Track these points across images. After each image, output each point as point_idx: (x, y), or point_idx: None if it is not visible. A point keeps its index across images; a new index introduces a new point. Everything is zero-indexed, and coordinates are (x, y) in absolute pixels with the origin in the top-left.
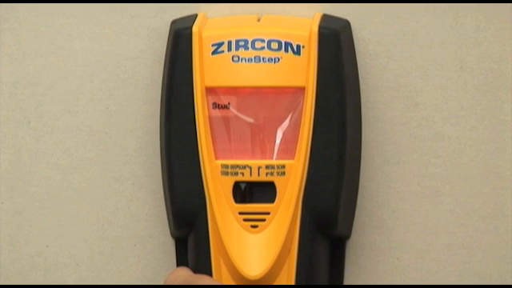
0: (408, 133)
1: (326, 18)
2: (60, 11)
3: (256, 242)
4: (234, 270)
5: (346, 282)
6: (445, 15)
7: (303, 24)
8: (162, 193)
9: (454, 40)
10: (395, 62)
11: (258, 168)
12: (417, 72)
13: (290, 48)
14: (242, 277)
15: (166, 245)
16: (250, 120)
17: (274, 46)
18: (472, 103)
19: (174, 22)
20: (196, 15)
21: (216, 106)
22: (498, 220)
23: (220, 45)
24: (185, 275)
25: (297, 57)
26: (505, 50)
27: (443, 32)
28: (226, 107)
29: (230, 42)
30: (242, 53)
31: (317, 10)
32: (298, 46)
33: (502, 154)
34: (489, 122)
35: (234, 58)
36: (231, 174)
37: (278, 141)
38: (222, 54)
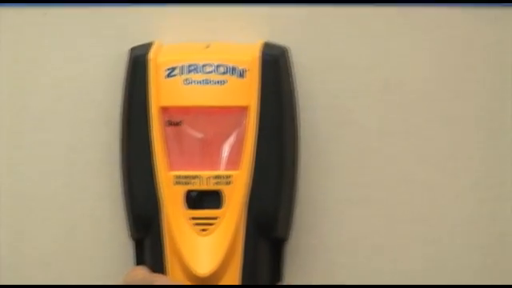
0: (340, 147)
1: (266, 44)
2: (29, 38)
3: (205, 244)
4: (186, 268)
5: (286, 281)
6: (373, 41)
7: (247, 50)
8: (123, 200)
9: (380, 63)
10: (328, 85)
11: (207, 178)
12: (347, 93)
13: (235, 72)
14: (193, 275)
15: (126, 246)
16: (200, 135)
17: (221, 69)
18: (395, 120)
19: (132, 49)
20: (152, 43)
21: (170, 123)
22: (421, 224)
23: (173, 69)
24: (142, 274)
25: (241, 79)
26: (425, 71)
27: (371, 56)
28: (178, 124)
29: (182, 67)
30: (193, 76)
31: (258, 38)
32: (243, 70)
33: (423, 165)
34: (411, 137)
35: (186, 81)
36: (183, 183)
37: (224, 154)
38: (175, 77)
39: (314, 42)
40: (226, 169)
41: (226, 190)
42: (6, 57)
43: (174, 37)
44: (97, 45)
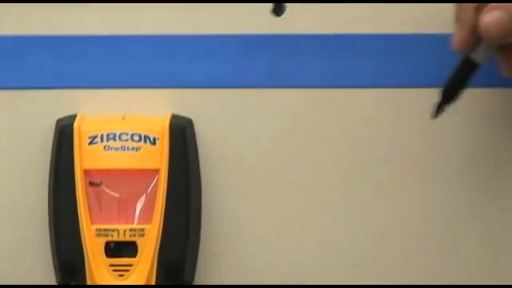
0: (238, 201)
1: (174, 116)
2: None
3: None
4: None
5: None
6: (267, 101)
7: (157, 121)
8: (51, 250)
9: (275, 119)
10: (227, 150)
11: (124, 231)
12: (245, 156)
13: (147, 139)
14: None
15: None
16: (118, 194)
17: (136, 138)
18: (290, 172)
19: (59, 120)
20: (75, 115)
21: (91, 183)
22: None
23: (95, 137)
24: None
25: (153, 146)
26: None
27: (262, 115)
28: (98, 185)
29: (102, 135)
30: (111, 143)
31: (167, 111)
32: (154, 138)
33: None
34: (311, 190)
35: (106, 148)
36: (103, 235)
37: (138, 210)
38: (96, 144)
39: (215, 114)
40: (140, 223)
41: (140, 241)
42: None
43: (94, 110)
44: (25, 118)
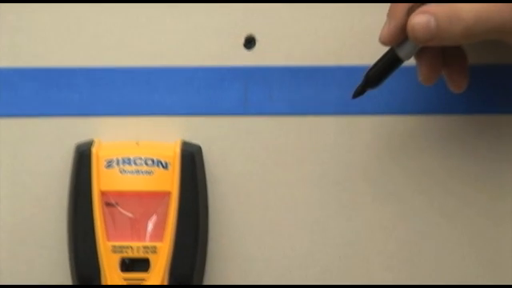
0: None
1: (184, 143)
2: None
3: None
4: None
5: None
6: (239, 128)
7: (169, 147)
8: (69, 266)
9: (246, 144)
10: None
11: (137, 248)
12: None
13: (160, 164)
14: None
15: None
16: (131, 215)
17: (149, 162)
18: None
19: (78, 145)
20: (93, 140)
21: (107, 204)
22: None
23: (111, 161)
24: None
25: (165, 170)
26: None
27: (235, 141)
28: (114, 205)
29: (118, 160)
30: (126, 167)
31: (177, 138)
32: (166, 163)
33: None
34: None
35: (121, 171)
36: (118, 251)
37: (150, 228)
38: (113, 168)
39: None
40: (152, 241)
41: (152, 258)
42: None
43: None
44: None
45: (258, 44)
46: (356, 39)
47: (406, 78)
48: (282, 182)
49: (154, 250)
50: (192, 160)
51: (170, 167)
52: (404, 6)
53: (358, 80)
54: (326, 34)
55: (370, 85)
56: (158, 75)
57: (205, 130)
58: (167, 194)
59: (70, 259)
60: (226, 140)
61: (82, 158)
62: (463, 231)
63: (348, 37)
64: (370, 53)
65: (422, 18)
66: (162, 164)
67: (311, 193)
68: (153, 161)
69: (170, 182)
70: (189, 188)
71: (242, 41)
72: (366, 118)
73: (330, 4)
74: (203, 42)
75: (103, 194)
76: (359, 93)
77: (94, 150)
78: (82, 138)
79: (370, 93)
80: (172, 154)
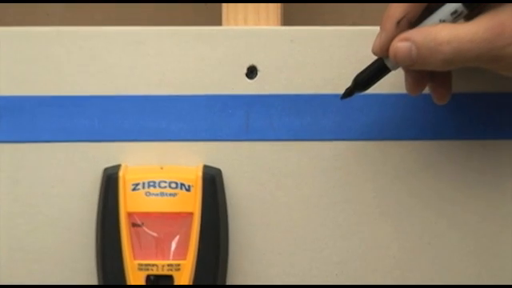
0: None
1: (205, 167)
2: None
3: None
4: None
5: None
6: (242, 153)
7: (191, 171)
8: (98, 282)
9: (248, 169)
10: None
11: (162, 266)
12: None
13: (183, 187)
14: None
15: None
16: (155, 234)
17: (173, 185)
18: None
19: (105, 169)
20: (120, 165)
21: (134, 224)
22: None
23: (137, 184)
24: None
25: (188, 192)
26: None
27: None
28: (140, 226)
29: (144, 183)
30: (151, 190)
31: (199, 162)
32: (189, 186)
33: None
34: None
35: (147, 193)
36: (144, 269)
37: (173, 247)
38: (139, 191)
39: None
40: (176, 259)
41: (176, 275)
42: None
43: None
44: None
45: (259, 74)
46: (351, 69)
47: (397, 106)
48: (282, 203)
49: (177, 267)
50: (213, 182)
51: (192, 190)
52: (393, 19)
53: (353, 107)
54: (323, 65)
55: (358, 88)
56: (167, 102)
57: (208, 155)
58: (190, 215)
59: (99, 277)
60: (228, 163)
61: (110, 181)
62: (454, 249)
63: (343, 67)
64: None
65: (404, 45)
66: (184, 187)
67: (309, 213)
68: (176, 184)
69: (192, 203)
70: (210, 209)
71: (245, 71)
72: (361, 144)
73: (327, 37)
74: (209, 72)
75: (129, 215)
76: (347, 95)
77: (121, 173)
78: (110, 163)
79: (365, 120)
80: (194, 178)
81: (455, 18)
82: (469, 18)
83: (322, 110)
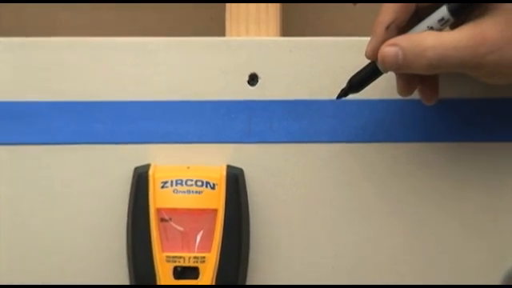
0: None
1: (229, 167)
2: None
3: None
4: None
5: None
6: (244, 155)
7: (216, 171)
8: (128, 274)
9: (249, 168)
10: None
11: (188, 258)
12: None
13: (208, 185)
14: None
15: None
16: (181, 229)
17: (199, 183)
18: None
19: (136, 168)
20: (150, 164)
21: (162, 219)
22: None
23: (166, 182)
24: None
25: (213, 190)
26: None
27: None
28: (167, 221)
29: (172, 181)
30: (179, 188)
31: (223, 163)
32: (214, 184)
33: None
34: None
35: (175, 191)
36: (172, 261)
37: (198, 241)
38: (167, 188)
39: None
40: (201, 251)
41: (201, 267)
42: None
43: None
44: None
45: (260, 81)
46: (345, 76)
47: (389, 110)
48: (281, 201)
49: (202, 259)
50: (236, 181)
51: (217, 188)
52: (383, 24)
53: (348, 111)
54: (319, 72)
55: (353, 89)
56: (175, 108)
57: (213, 156)
58: (214, 211)
59: (129, 268)
60: (231, 164)
61: (141, 179)
62: (443, 245)
63: (338, 75)
64: None
65: (391, 50)
66: (209, 185)
67: (307, 210)
68: (202, 182)
69: (216, 200)
70: (233, 206)
71: (247, 78)
72: (355, 145)
73: (323, 47)
74: (213, 79)
75: (158, 210)
76: (342, 95)
77: (150, 172)
78: (140, 163)
79: (359, 124)
80: (219, 177)
81: (442, 24)
82: (455, 26)
83: (319, 114)
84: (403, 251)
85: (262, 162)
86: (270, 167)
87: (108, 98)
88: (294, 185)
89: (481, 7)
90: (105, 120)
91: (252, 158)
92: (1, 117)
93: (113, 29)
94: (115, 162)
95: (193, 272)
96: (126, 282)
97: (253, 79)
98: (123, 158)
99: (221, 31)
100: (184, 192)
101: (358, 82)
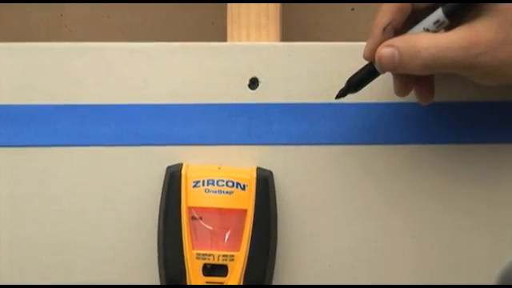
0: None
1: (258, 169)
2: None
3: None
4: None
5: None
6: (245, 156)
7: (246, 172)
8: (159, 270)
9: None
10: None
11: (218, 256)
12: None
13: (239, 186)
14: None
15: None
16: (210, 228)
17: (230, 184)
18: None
19: (169, 167)
20: (182, 164)
21: (193, 218)
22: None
23: (198, 182)
24: None
25: (243, 191)
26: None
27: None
28: (197, 219)
29: (203, 181)
30: (210, 187)
31: (253, 165)
32: (244, 185)
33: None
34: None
35: (206, 190)
36: (201, 258)
37: (230, 239)
38: (199, 188)
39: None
40: (231, 250)
41: (230, 264)
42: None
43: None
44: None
45: (260, 85)
46: (343, 80)
47: (386, 113)
48: (280, 200)
49: (231, 258)
50: (266, 183)
51: (247, 189)
52: (380, 26)
53: (346, 114)
54: (318, 76)
55: (351, 90)
56: (178, 111)
57: (213, 157)
58: (244, 211)
59: (160, 264)
60: (232, 165)
61: (173, 178)
62: (434, 242)
63: (336, 78)
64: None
65: (387, 50)
66: (240, 186)
67: (305, 209)
68: (233, 183)
69: (246, 201)
70: (262, 206)
71: (247, 82)
72: (353, 147)
73: (321, 52)
74: (215, 83)
75: (189, 209)
76: (341, 95)
77: (183, 172)
78: (173, 162)
79: (357, 126)
80: (249, 178)
81: (438, 27)
82: (450, 28)
83: (318, 117)
84: (403, 251)
85: (261, 163)
86: (270, 169)
87: (112, 101)
88: (294, 185)
89: (475, 10)
90: (109, 123)
91: (252, 159)
92: (11, 119)
93: (118, 34)
94: (122, 164)
95: (221, 270)
96: (156, 282)
97: (253, 83)
98: (128, 160)
99: (222, 36)
100: (215, 192)
101: (356, 82)
